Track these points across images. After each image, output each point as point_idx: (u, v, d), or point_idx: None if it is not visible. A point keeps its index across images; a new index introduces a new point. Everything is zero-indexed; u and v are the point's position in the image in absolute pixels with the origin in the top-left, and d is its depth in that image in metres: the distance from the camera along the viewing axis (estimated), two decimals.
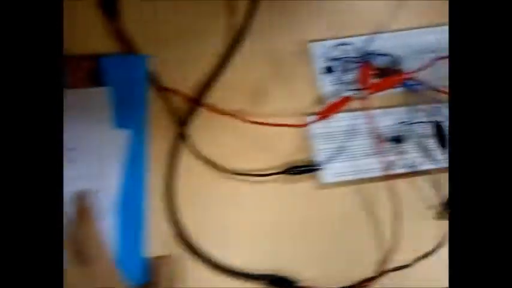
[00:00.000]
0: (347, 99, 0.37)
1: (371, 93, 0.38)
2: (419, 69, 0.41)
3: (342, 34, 0.45)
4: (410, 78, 0.41)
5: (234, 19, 0.44)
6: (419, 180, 0.42)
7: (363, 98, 0.38)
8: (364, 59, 0.43)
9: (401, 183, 0.42)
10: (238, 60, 0.44)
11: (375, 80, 0.39)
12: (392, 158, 0.42)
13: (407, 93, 0.42)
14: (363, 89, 0.38)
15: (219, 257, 0.39)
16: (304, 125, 0.39)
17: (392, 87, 0.38)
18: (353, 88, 0.40)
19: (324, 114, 0.38)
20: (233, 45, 0.43)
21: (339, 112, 0.38)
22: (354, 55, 0.43)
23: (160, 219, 0.40)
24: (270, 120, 0.41)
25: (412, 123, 0.42)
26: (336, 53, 0.43)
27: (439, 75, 0.44)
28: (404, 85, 0.41)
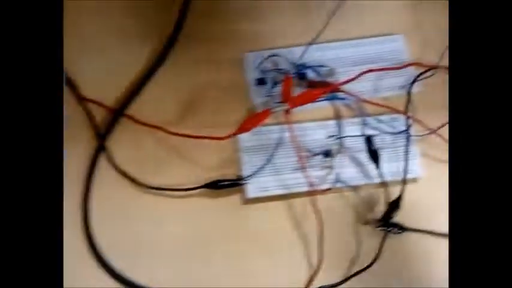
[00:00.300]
0: (266, 113, 0.36)
1: (292, 107, 0.36)
2: (348, 81, 0.39)
3: (278, 44, 0.44)
4: (340, 91, 0.40)
5: (165, 26, 0.43)
6: (350, 195, 0.41)
7: (286, 112, 0.37)
8: (296, 71, 0.42)
9: (331, 199, 0.41)
10: (167, 69, 0.42)
11: (299, 93, 0.38)
12: (321, 172, 0.40)
13: (338, 106, 0.41)
14: (285, 102, 0.37)
15: (129, 274, 0.37)
16: (225, 138, 0.37)
17: (315, 100, 0.37)
18: (277, 101, 0.39)
19: (242, 128, 0.37)
20: (162, 53, 0.42)
21: (257, 126, 0.37)
22: (286, 66, 0.42)
23: (75, 234, 0.38)
24: (200, 133, 0.39)
25: (342, 137, 0.41)
26: (269, 64, 0.42)
27: (370, 87, 0.44)
28: (332, 98, 0.40)
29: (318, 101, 0.39)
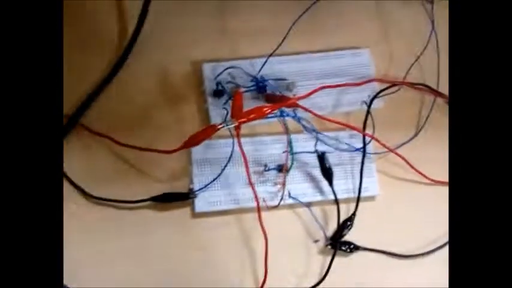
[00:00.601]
0: (212, 128, 0.35)
1: (240, 124, 0.36)
2: (303, 97, 0.39)
3: (239, 55, 0.43)
4: (297, 106, 0.40)
5: (120, 36, 0.43)
6: (303, 212, 0.40)
7: (236, 127, 0.36)
8: (256, 83, 0.41)
9: (282, 215, 0.40)
10: (122, 78, 0.42)
11: (249, 109, 0.37)
12: (274, 188, 0.40)
13: (295, 122, 0.40)
14: (234, 118, 0.36)
15: (74, 285, 0.37)
16: (171, 152, 0.37)
17: (264, 116, 0.36)
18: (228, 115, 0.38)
19: (188, 144, 0.36)
20: (117, 63, 0.42)
21: (202, 142, 0.36)
22: (244, 79, 0.42)
23: None
24: (154, 144, 0.39)
25: (296, 153, 0.40)
26: (227, 76, 0.42)
27: (331, 102, 0.43)
28: (285, 114, 0.39)
29: (269, 117, 0.38)
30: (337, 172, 0.40)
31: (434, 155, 0.43)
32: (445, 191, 0.42)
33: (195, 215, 0.39)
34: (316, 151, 0.39)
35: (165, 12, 0.43)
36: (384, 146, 0.41)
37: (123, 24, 0.43)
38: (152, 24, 0.42)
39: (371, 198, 0.41)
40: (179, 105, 0.42)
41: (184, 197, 0.38)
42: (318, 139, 0.39)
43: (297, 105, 0.40)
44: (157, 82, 0.42)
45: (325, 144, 0.41)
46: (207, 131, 0.36)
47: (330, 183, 0.39)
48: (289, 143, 0.39)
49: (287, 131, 0.39)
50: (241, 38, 0.44)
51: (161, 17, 0.43)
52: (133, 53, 0.42)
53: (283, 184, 0.39)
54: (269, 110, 0.36)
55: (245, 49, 0.43)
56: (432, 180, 0.42)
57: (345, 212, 0.41)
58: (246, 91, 0.41)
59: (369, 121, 0.42)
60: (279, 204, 0.39)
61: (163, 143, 0.39)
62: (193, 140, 0.36)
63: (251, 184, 0.37)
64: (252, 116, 0.36)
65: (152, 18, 0.42)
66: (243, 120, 0.36)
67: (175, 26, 0.44)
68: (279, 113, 0.39)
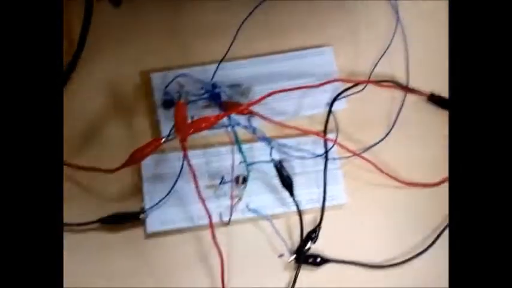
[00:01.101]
0: (156, 142, 0.33)
1: (183, 137, 0.33)
2: (254, 103, 0.36)
3: (191, 61, 0.41)
4: (249, 113, 0.37)
5: (67, 48, 0.41)
6: (264, 225, 0.38)
7: (181, 141, 0.34)
8: (209, 91, 0.39)
9: (242, 229, 0.37)
10: (68, 92, 0.39)
11: (193, 120, 0.35)
12: (231, 201, 0.37)
13: (247, 130, 0.38)
14: (178, 131, 0.34)
15: None
16: (114, 171, 0.34)
17: (210, 127, 0.34)
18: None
19: (131, 160, 0.34)
20: (63, 76, 0.39)
21: (146, 157, 0.34)
22: (195, 86, 0.39)
23: None
24: (102, 161, 0.37)
25: (252, 163, 0.37)
26: (176, 86, 0.39)
27: (293, 106, 0.40)
28: (230, 123, 0.37)
29: (216, 128, 0.35)
30: (300, 180, 0.38)
31: (406, 156, 0.40)
32: (419, 193, 0.40)
33: (148, 235, 0.37)
34: (272, 160, 0.36)
35: (110, 22, 0.41)
36: (348, 150, 0.38)
37: (68, 36, 0.41)
38: (98, 35, 0.40)
39: (339, 206, 0.38)
40: (130, 119, 0.40)
41: (135, 217, 0.36)
42: (272, 147, 0.37)
43: (251, 112, 0.37)
44: (105, 96, 0.40)
45: (286, 151, 0.38)
46: (151, 146, 0.33)
47: (291, 193, 0.37)
48: (242, 153, 0.36)
49: (237, 141, 0.37)
50: (193, 42, 0.42)
51: (106, 27, 0.41)
52: (79, 66, 0.40)
53: (239, 197, 0.37)
54: (215, 120, 0.33)
55: (198, 54, 0.41)
56: (405, 182, 0.39)
57: (312, 222, 0.38)
58: (199, 99, 0.39)
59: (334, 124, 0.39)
60: (229, 220, 0.36)
61: (115, 160, 0.36)
62: (137, 156, 0.33)
63: (202, 200, 0.34)
64: (196, 128, 0.33)
65: (97, 29, 0.40)
66: (184, 134, 0.33)
67: (123, 35, 0.41)
68: (227, 122, 0.36)
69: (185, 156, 0.34)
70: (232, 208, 0.36)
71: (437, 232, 0.38)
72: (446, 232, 0.38)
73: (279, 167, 0.36)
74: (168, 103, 0.39)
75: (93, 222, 0.36)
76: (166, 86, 0.39)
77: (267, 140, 0.37)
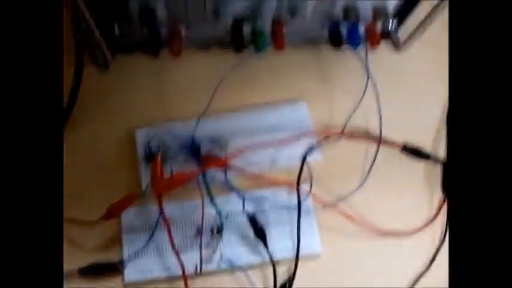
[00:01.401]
0: (133, 196, 0.35)
1: (158, 193, 0.35)
2: (232, 157, 0.38)
3: (171, 119, 0.43)
4: (227, 166, 0.39)
5: None
6: (239, 276, 0.38)
7: (157, 196, 0.35)
8: (189, 145, 0.41)
9: (219, 281, 0.38)
10: None
11: (168, 177, 0.36)
12: (208, 252, 0.38)
13: (222, 184, 0.39)
14: (152, 187, 0.35)
15: None
16: (93, 223, 0.36)
17: (185, 183, 0.36)
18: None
19: (109, 214, 0.35)
20: None
21: (124, 210, 0.35)
22: (177, 142, 0.41)
23: None
24: (87, 213, 0.38)
25: (228, 215, 0.39)
26: (157, 141, 0.41)
27: (268, 158, 0.42)
28: (204, 178, 0.38)
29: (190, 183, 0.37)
30: (275, 231, 0.39)
31: (381, 205, 0.41)
32: (394, 241, 0.40)
33: (126, 284, 0.38)
34: (245, 212, 0.38)
35: (98, 82, 0.44)
36: (320, 201, 0.39)
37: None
38: (86, 95, 0.43)
39: (314, 256, 0.39)
40: (114, 174, 0.41)
41: (113, 267, 0.37)
42: (244, 199, 0.38)
43: (228, 165, 0.39)
44: (91, 152, 0.42)
45: (261, 202, 0.40)
46: (128, 199, 0.35)
47: (265, 244, 0.38)
48: (215, 206, 0.38)
49: (209, 195, 0.38)
50: (175, 98, 0.44)
51: (94, 86, 0.43)
52: (68, 124, 0.42)
53: (213, 248, 0.38)
54: (191, 176, 0.35)
55: (179, 110, 0.43)
56: (380, 232, 0.40)
57: (288, 272, 0.39)
58: (179, 154, 0.41)
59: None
60: (201, 269, 0.37)
61: (98, 213, 0.38)
62: (114, 210, 0.35)
63: (175, 251, 0.35)
64: (171, 184, 0.35)
65: (86, 89, 0.42)
66: (159, 189, 0.35)
67: (109, 95, 0.44)
68: (205, 177, 0.38)
69: (161, 211, 0.35)
70: (201, 258, 0.37)
71: (413, 280, 0.39)
72: (423, 280, 0.39)
73: (252, 219, 0.37)
74: (149, 158, 0.41)
75: (73, 272, 0.37)
76: (149, 142, 0.41)
77: (240, 194, 0.38)
